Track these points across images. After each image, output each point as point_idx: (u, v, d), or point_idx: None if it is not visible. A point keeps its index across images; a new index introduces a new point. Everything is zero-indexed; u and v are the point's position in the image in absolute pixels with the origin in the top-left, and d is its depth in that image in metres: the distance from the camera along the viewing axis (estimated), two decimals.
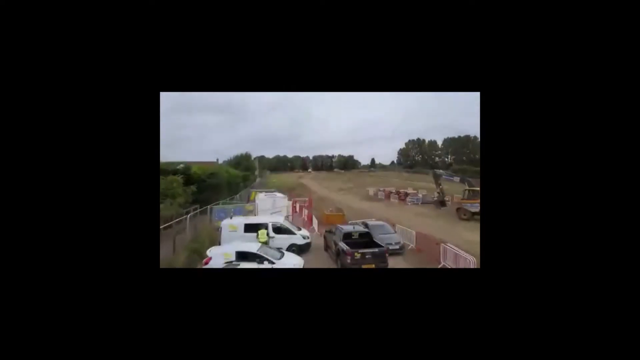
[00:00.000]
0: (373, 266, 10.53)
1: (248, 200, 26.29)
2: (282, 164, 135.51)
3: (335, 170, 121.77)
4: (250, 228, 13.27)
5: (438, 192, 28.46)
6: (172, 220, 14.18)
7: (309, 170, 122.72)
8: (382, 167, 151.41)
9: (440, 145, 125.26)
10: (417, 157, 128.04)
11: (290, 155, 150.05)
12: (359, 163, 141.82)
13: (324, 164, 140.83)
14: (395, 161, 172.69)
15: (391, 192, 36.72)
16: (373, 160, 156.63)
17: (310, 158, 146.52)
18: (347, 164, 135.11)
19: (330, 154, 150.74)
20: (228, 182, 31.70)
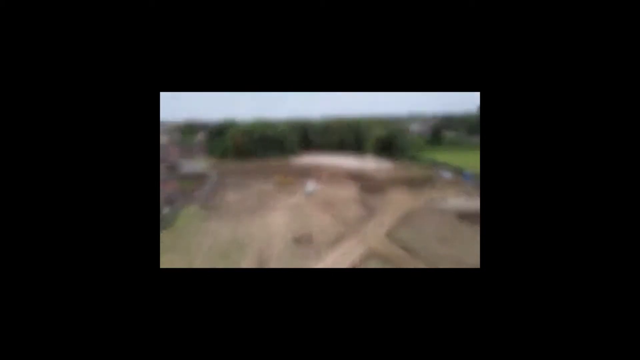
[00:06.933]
0: None
1: None
2: (255, 145, 48.26)
3: (374, 162, 39.10)
4: None
5: None
6: None
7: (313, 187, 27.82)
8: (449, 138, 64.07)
9: None
10: None
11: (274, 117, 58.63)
12: (410, 135, 60.27)
13: (345, 142, 52.20)
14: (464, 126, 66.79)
15: None
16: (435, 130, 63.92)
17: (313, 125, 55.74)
18: (394, 141, 47.75)
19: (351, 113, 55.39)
20: None
